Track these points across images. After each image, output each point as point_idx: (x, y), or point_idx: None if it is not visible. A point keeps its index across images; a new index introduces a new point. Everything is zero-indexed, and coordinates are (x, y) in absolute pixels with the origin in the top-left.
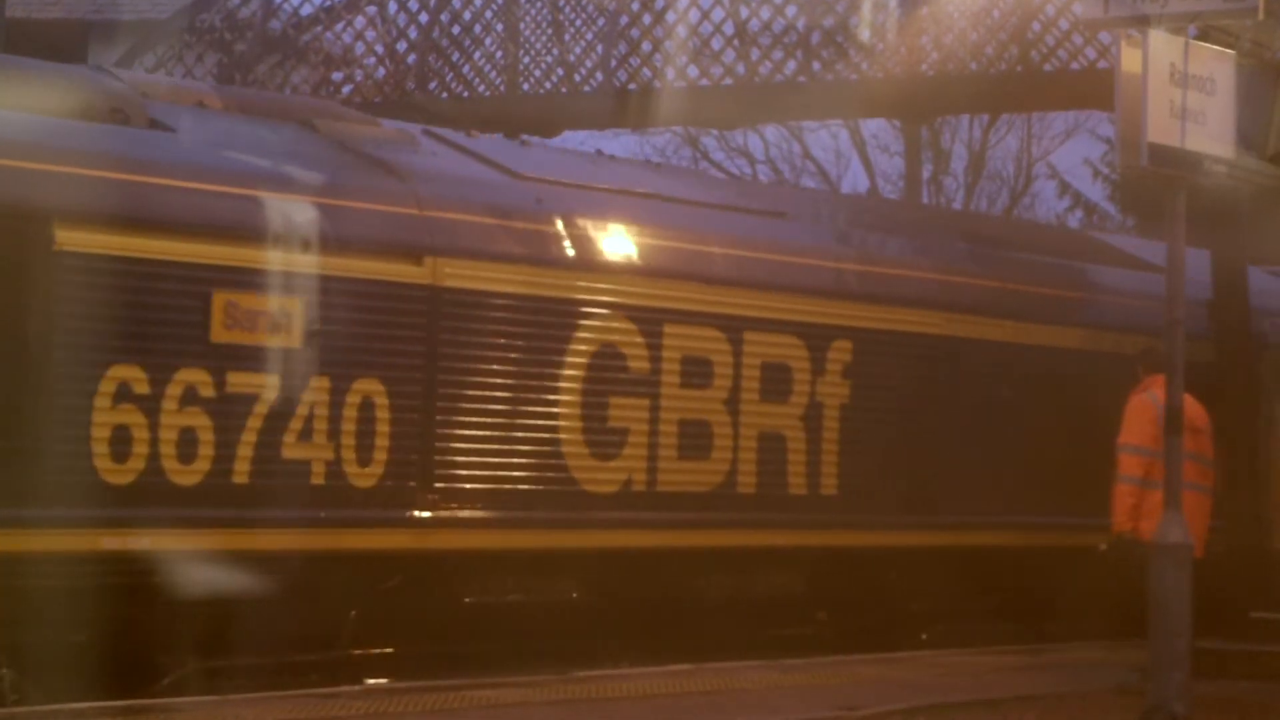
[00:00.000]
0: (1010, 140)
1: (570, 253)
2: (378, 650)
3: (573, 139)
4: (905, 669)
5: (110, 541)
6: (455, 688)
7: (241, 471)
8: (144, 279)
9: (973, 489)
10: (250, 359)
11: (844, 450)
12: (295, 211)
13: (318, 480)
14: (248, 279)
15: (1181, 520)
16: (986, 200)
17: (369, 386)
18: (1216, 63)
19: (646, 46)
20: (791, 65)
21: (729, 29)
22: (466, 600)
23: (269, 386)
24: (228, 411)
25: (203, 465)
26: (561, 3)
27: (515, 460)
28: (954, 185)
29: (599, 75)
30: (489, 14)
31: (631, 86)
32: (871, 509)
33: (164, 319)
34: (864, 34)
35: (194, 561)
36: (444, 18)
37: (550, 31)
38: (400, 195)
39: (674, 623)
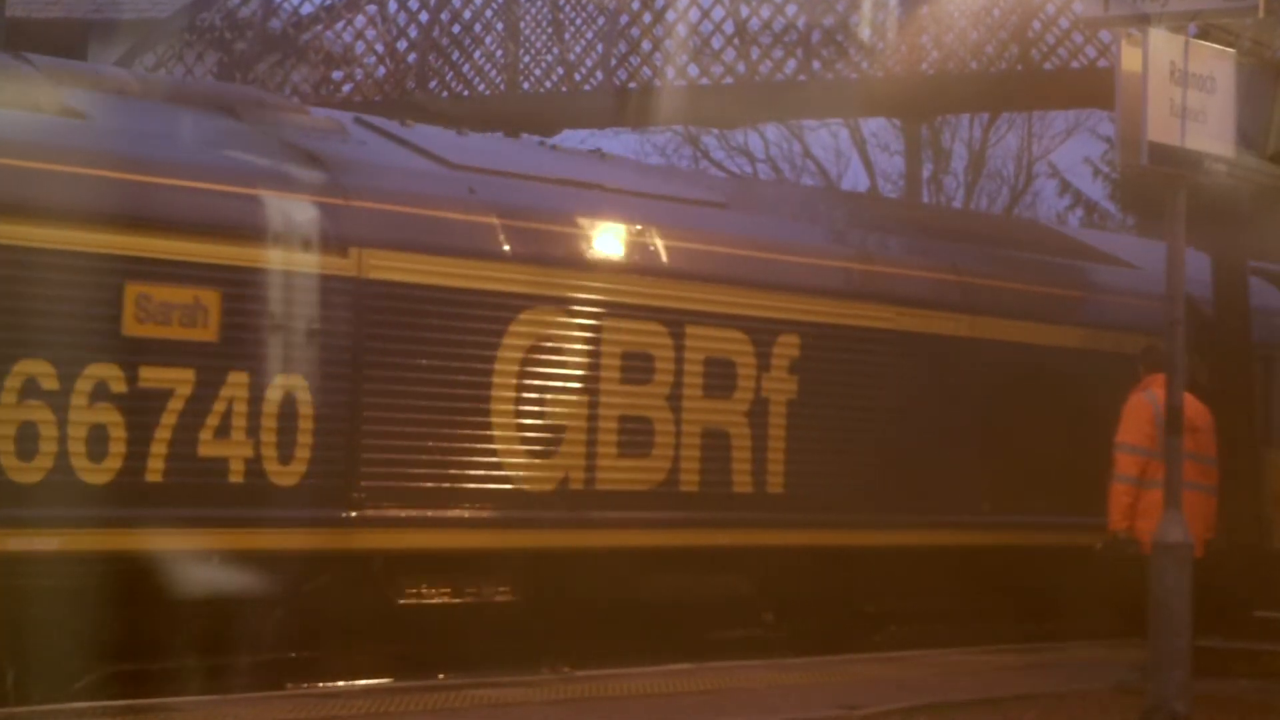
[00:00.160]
0: (1010, 139)
1: (505, 244)
2: (307, 654)
3: (573, 138)
4: (905, 668)
5: (16, 543)
6: (456, 687)
7: (155, 470)
8: (53, 270)
9: (926, 486)
10: (164, 353)
11: (791, 447)
12: (209, 200)
13: (236, 478)
14: (161, 271)
15: (1181, 519)
16: (987, 199)
17: (291, 382)
18: (1217, 61)
19: (647, 45)
20: (792, 64)
21: (729, 28)
22: (399, 602)
23: (184, 381)
24: (140, 408)
25: (114, 463)
26: (562, 2)
27: (447, 458)
28: (954, 184)
29: (599, 74)
30: (489, 13)
31: (632, 85)
32: (820, 507)
33: (73, 312)
34: (864, 33)
35: (106, 562)
36: (444, 16)
37: (550, 30)
38: (325, 185)
39: (614, 625)
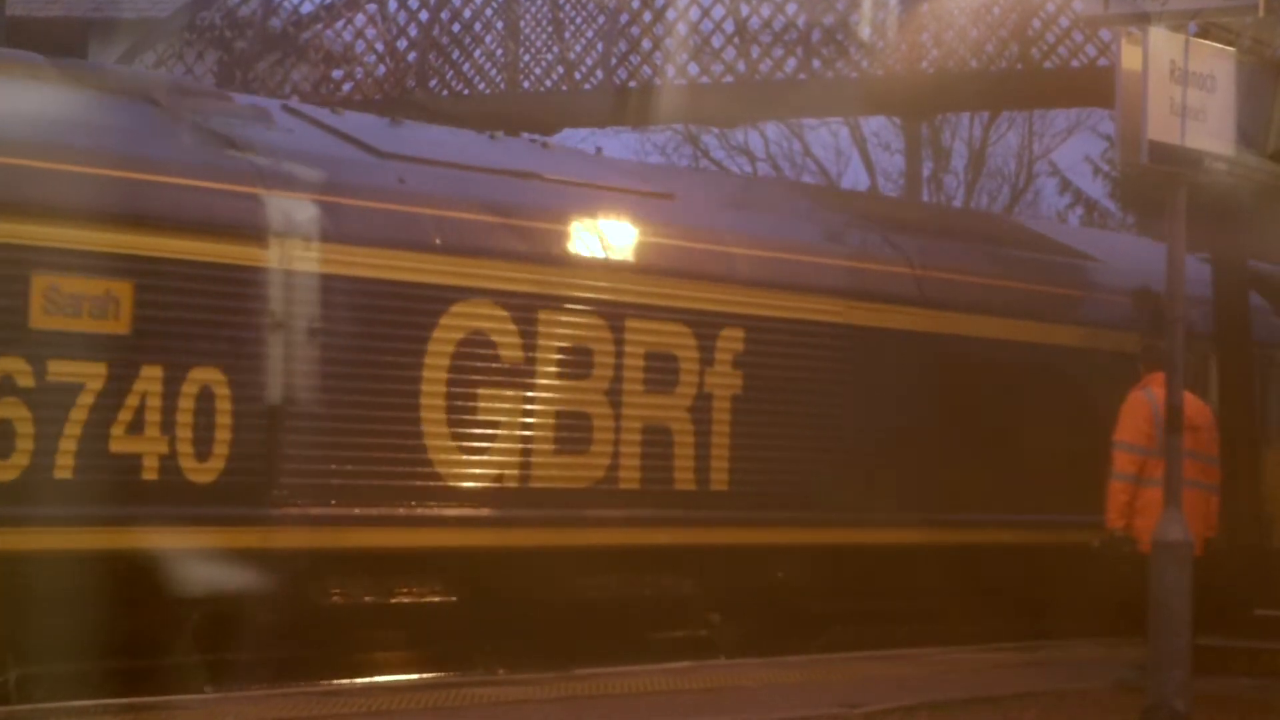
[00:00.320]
0: (1011, 137)
1: (436, 235)
2: (226, 656)
3: (573, 136)
4: (905, 666)
5: None
6: (456, 685)
7: (64, 466)
8: None
9: (876, 483)
10: (74, 346)
11: (736, 444)
12: (121, 189)
13: (149, 475)
14: (71, 261)
15: (1181, 518)
16: (987, 197)
17: (208, 375)
18: (1217, 60)
19: (647, 44)
20: (792, 63)
21: (729, 26)
22: (324, 603)
23: (95, 376)
24: (49, 402)
25: (20, 460)
26: (562, 0)
27: (374, 454)
28: (954, 183)
29: (599, 73)
30: (489, 12)
31: (632, 84)
32: (766, 505)
33: None
34: (864, 31)
35: (13, 563)
36: (444, 15)
37: (551, 29)
38: (244, 173)
39: (552, 626)
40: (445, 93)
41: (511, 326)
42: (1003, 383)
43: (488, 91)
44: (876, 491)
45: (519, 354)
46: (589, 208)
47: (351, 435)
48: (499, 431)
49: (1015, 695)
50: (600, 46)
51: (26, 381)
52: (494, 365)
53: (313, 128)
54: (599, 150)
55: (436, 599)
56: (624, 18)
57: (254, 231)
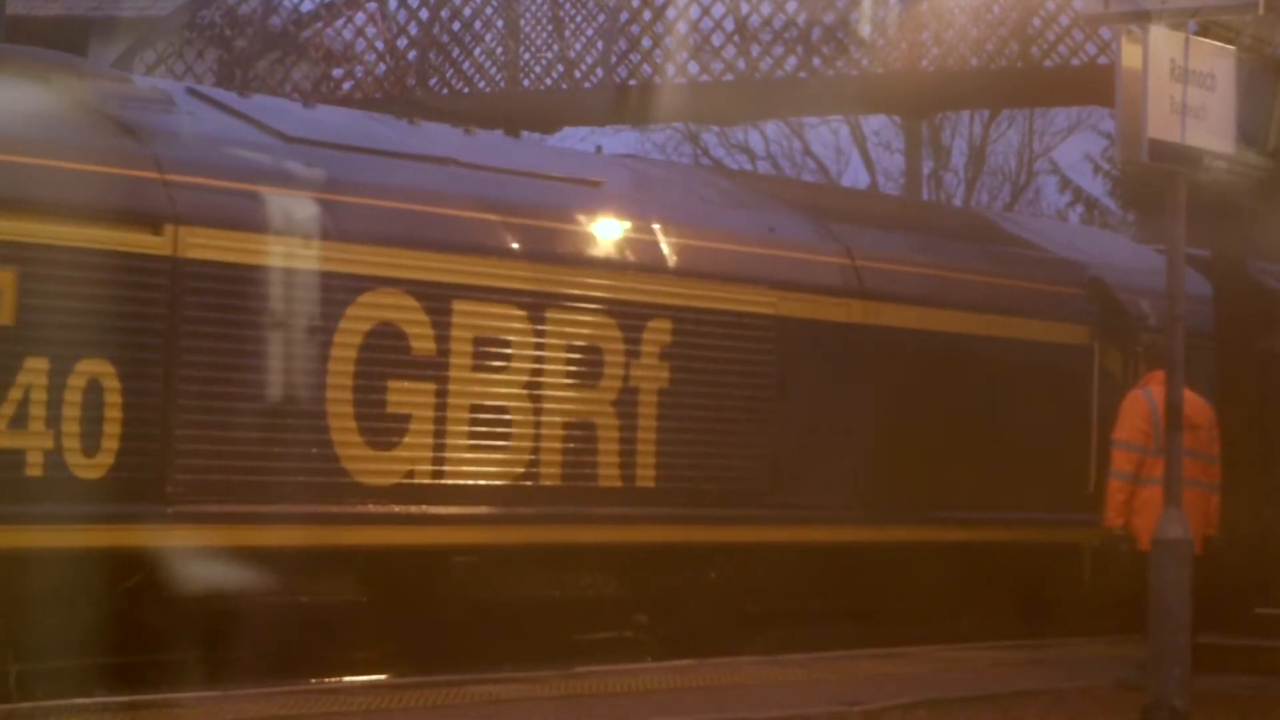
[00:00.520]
0: (1011, 135)
1: (344, 222)
2: (119, 659)
3: (573, 135)
4: (905, 664)
5: None
6: (457, 683)
7: None
8: None
9: (811, 480)
10: None
11: (663, 439)
12: (3, 173)
13: (34, 472)
14: None
15: (1181, 516)
16: (988, 196)
17: (96, 368)
18: (1217, 58)
19: (647, 42)
20: (792, 61)
21: (729, 25)
22: (221, 604)
23: None
24: None
25: None
26: None
27: (275, 450)
28: (955, 181)
29: (599, 71)
30: (489, 10)
31: (632, 82)
32: (695, 502)
33: None
34: (865, 29)
35: None
36: (444, 14)
37: (551, 28)
38: (137, 157)
39: (469, 627)
40: (445, 91)
41: (424, 317)
42: (946, 377)
43: (488, 90)
44: (813, 488)
45: (432, 346)
46: (509, 194)
47: (250, 430)
48: (410, 426)
49: (1015, 693)
50: (600, 45)
51: None
52: (405, 357)
53: (217, 111)
54: (599, 149)
55: (343, 599)
56: (624, 16)
57: (147, 218)
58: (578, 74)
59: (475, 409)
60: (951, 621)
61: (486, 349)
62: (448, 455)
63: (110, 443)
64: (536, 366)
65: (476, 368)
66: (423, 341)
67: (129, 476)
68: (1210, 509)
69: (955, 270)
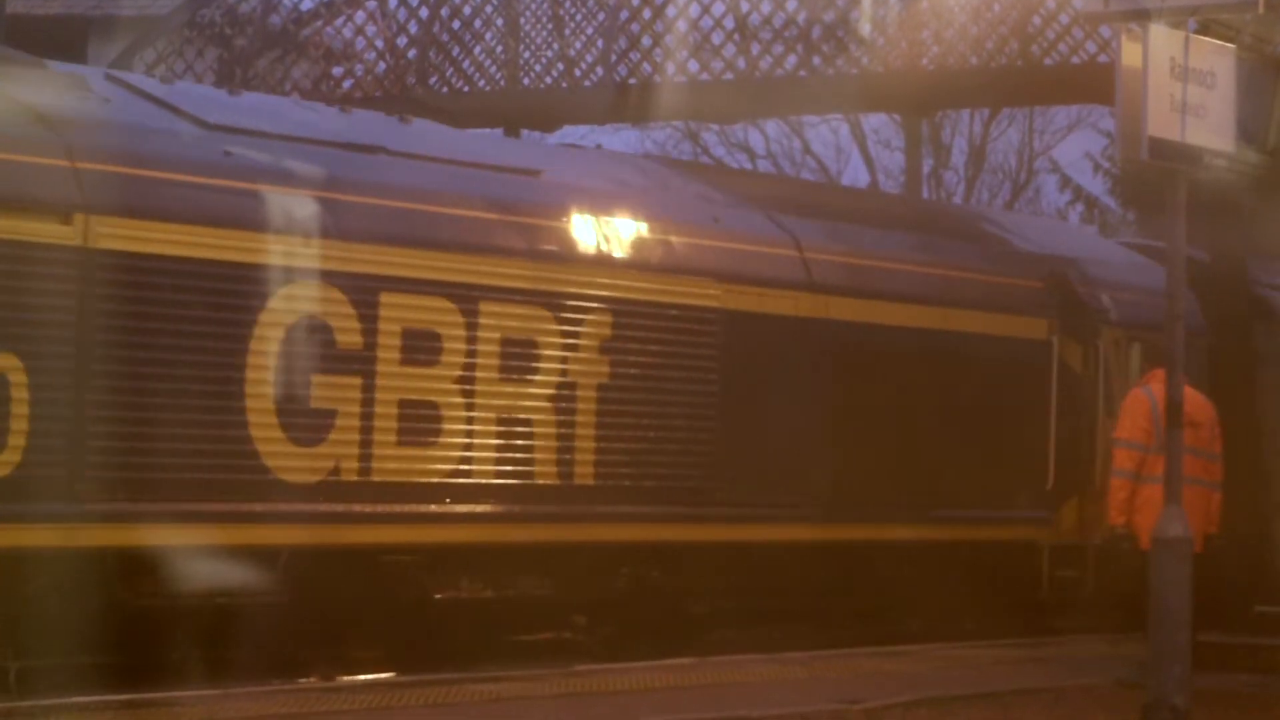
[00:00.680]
0: (1012, 134)
1: (264, 212)
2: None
3: (573, 133)
4: (905, 662)
5: None
6: (457, 681)
7: None
8: None
9: (756, 477)
10: None
11: (601, 435)
12: None
13: None
14: None
15: (1181, 514)
16: (988, 194)
17: (2, 362)
18: (1217, 57)
19: (647, 41)
20: (792, 60)
21: (729, 23)
22: (136, 604)
23: None
24: None
25: None
26: None
27: (191, 446)
28: (955, 179)
29: (599, 70)
30: (489, 9)
31: (632, 81)
32: (635, 500)
33: None
34: (864, 28)
35: None
36: (444, 12)
37: (550, 26)
38: (45, 144)
39: (399, 628)
40: (445, 90)
41: (349, 310)
42: (897, 371)
43: (488, 88)
44: (759, 486)
45: (357, 339)
46: (441, 184)
47: (166, 426)
48: (334, 422)
49: (1016, 691)
50: (600, 43)
51: None
52: (329, 351)
53: (135, 98)
54: (598, 146)
55: (263, 600)
56: (624, 14)
57: (57, 208)
58: (578, 72)
59: (404, 404)
60: (903, 623)
61: (416, 342)
62: (374, 452)
63: (17, 440)
64: (469, 360)
65: (405, 361)
66: (348, 335)
67: (38, 474)
68: (1211, 507)
69: (907, 263)
